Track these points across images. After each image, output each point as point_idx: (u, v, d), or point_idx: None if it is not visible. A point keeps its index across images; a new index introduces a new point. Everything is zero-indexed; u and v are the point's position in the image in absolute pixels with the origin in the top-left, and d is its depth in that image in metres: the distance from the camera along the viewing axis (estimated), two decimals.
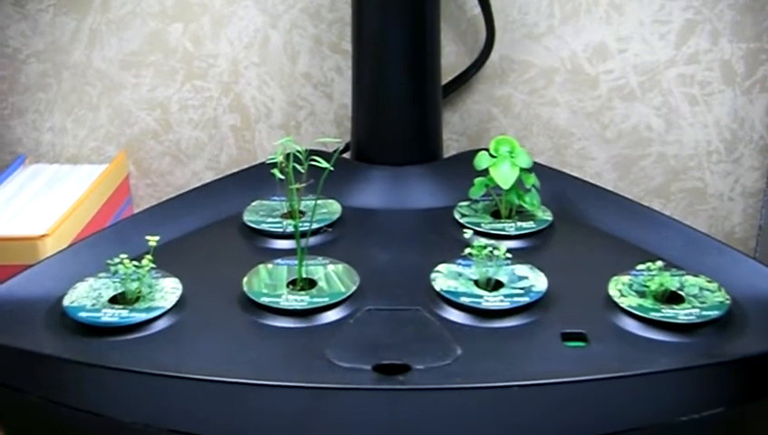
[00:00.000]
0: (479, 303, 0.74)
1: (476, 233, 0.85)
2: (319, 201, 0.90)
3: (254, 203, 0.90)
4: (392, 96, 0.94)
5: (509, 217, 0.87)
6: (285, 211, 0.88)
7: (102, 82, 1.05)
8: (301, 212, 0.88)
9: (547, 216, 0.88)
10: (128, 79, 1.04)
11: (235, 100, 1.05)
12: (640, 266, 0.76)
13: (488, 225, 0.86)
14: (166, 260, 0.81)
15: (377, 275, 0.80)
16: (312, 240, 0.85)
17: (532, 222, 0.86)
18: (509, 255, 0.76)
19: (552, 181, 0.92)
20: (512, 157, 0.84)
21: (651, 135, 1.05)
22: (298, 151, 0.77)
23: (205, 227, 0.89)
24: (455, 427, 0.64)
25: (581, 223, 0.88)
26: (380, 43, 0.93)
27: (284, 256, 0.81)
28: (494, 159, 0.84)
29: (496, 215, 0.88)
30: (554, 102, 1.04)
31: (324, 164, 0.81)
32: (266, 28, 1.02)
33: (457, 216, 0.88)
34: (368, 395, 0.64)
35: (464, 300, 0.74)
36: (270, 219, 0.87)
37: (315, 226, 0.85)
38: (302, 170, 0.80)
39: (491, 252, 0.76)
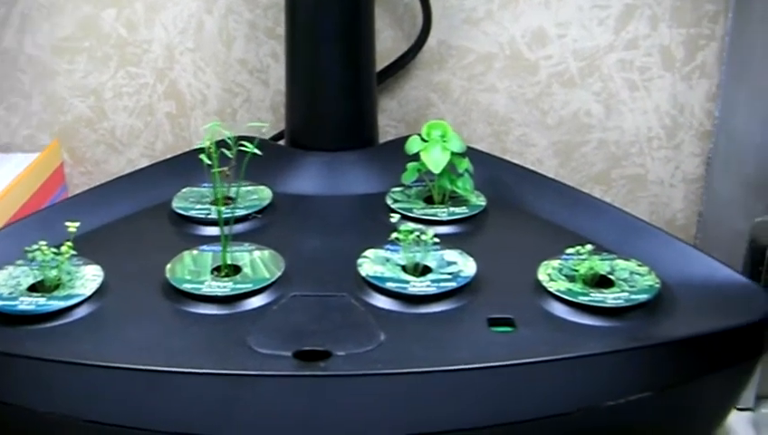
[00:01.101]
0: (405, 288, 0.72)
1: (408, 219, 0.84)
2: (250, 188, 0.88)
3: (183, 190, 0.88)
4: (326, 82, 0.92)
5: (442, 202, 0.86)
6: (216, 198, 0.87)
7: (35, 69, 1.02)
8: (231, 198, 0.86)
9: (481, 201, 0.87)
10: (61, 65, 1.02)
11: (170, 86, 1.03)
12: (570, 250, 0.75)
13: (420, 210, 0.85)
14: (90, 248, 0.79)
15: (304, 261, 0.79)
16: (241, 227, 0.84)
17: (465, 207, 0.85)
18: (437, 239, 0.75)
19: (488, 167, 0.91)
20: (443, 141, 0.83)
21: (591, 121, 1.04)
22: (228, 138, 0.75)
23: (133, 215, 0.87)
24: (374, 413, 0.63)
25: (516, 208, 0.87)
26: (314, 28, 0.91)
27: (212, 243, 0.79)
28: (426, 144, 0.83)
29: (429, 201, 0.87)
30: (493, 88, 1.03)
31: (252, 149, 0.80)
32: (201, 13, 1.00)
33: (389, 201, 0.86)
34: (285, 382, 0.63)
35: (390, 285, 0.73)
36: (199, 206, 0.85)
37: (243, 212, 0.84)
38: (231, 156, 0.79)
39: (418, 237, 0.74)
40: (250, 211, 0.84)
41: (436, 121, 0.85)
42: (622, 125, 1.04)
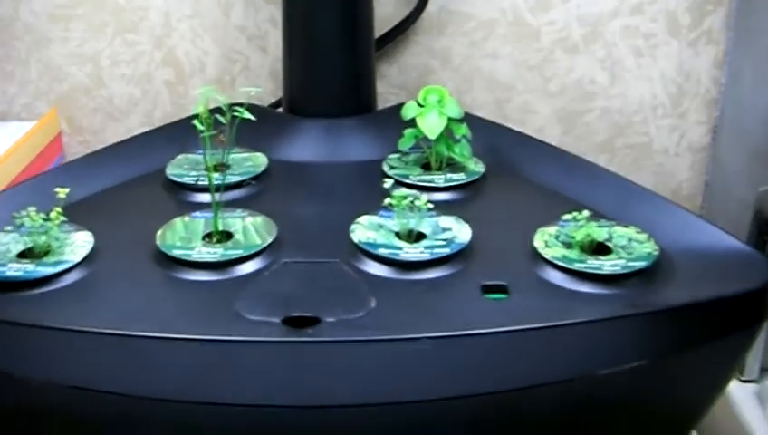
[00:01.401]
0: (397, 254, 0.71)
1: (404, 185, 0.82)
2: (245, 154, 0.87)
3: (178, 157, 0.87)
4: (323, 48, 0.91)
5: (439, 169, 0.85)
6: (206, 165, 0.85)
7: (31, 36, 1.01)
8: (226, 165, 0.85)
9: (479, 168, 0.85)
10: (57, 33, 1.01)
11: (168, 54, 1.01)
12: (566, 217, 0.74)
13: (417, 177, 0.83)
14: (82, 215, 0.78)
15: (297, 227, 0.77)
16: (235, 193, 0.83)
17: (462, 174, 0.84)
18: (431, 205, 0.74)
19: (488, 134, 0.89)
20: (440, 106, 0.82)
21: (595, 89, 1.02)
22: (222, 105, 0.74)
23: (127, 182, 0.86)
24: (363, 380, 0.62)
25: (515, 175, 0.86)
26: None
27: (205, 210, 0.78)
28: (422, 109, 0.82)
29: (427, 167, 0.85)
30: (495, 55, 1.01)
31: (243, 113, 0.79)
32: None
33: (386, 168, 0.85)
34: (272, 348, 0.62)
35: (382, 251, 0.71)
36: (193, 173, 0.84)
37: (237, 178, 0.83)
38: (224, 121, 0.78)
39: (412, 202, 0.73)
40: (244, 178, 0.83)
41: (434, 87, 0.83)
42: (626, 93, 1.02)
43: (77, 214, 0.78)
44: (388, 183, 0.74)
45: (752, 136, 0.95)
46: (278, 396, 0.62)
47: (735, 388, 0.94)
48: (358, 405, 0.62)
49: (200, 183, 0.83)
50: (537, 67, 1.01)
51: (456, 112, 0.82)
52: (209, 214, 0.77)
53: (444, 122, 0.81)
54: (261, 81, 1.02)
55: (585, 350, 0.64)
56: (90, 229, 0.76)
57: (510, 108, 1.03)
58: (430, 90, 0.83)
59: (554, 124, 1.04)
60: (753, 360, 0.94)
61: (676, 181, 1.06)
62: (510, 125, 0.97)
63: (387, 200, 0.74)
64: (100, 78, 1.03)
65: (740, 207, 0.96)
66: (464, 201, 0.82)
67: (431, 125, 0.81)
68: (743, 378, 0.95)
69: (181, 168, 0.85)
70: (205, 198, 0.82)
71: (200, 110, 0.75)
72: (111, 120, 1.04)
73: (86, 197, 0.83)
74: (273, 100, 1.00)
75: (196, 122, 0.74)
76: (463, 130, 0.84)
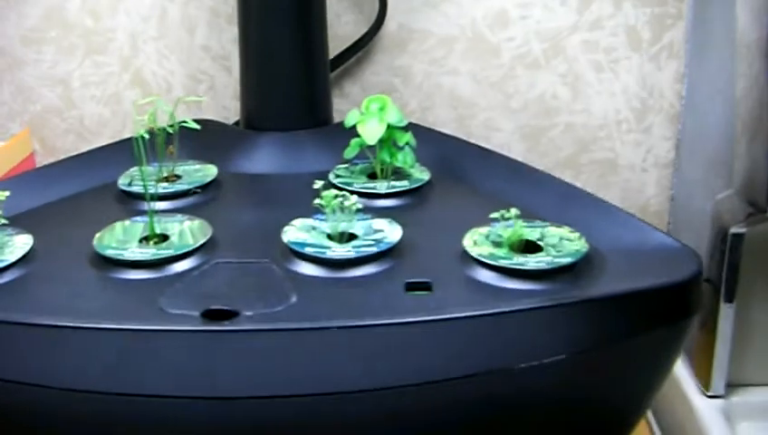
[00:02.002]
0: (324, 253, 0.72)
1: (348, 192, 0.83)
2: (197, 166, 0.89)
3: (132, 169, 0.89)
4: (278, 65, 0.92)
5: (385, 177, 0.85)
6: (163, 176, 0.87)
7: (4, 59, 1.04)
8: (178, 176, 0.87)
9: (424, 175, 0.86)
10: (29, 55, 1.04)
11: (135, 74, 1.04)
12: (494, 214, 0.74)
13: (360, 184, 0.84)
14: (29, 222, 0.80)
15: (235, 231, 0.78)
16: (182, 201, 0.84)
17: (406, 181, 0.85)
18: (360, 205, 0.75)
19: (437, 143, 0.90)
20: (381, 113, 0.83)
21: (558, 104, 1.03)
22: (169, 114, 0.76)
23: (81, 193, 0.88)
24: (272, 370, 0.62)
25: (462, 183, 0.86)
26: (265, 11, 0.92)
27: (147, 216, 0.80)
28: (363, 116, 0.83)
29: (374, 177, 0.86)
30: (456, 72, 1.02)
31: (192, 124, 0.82)
32: (163, 0, 1.01)
33: (332, 177, 0.86)
34: (182, 337, 0.62)
35: (308, 250, 0.72)
36: (141, 181, 0.86)
37: (186, 187, 0.85)
38: (172, 131, 0.80)
39: (341, 202, 0.74)
40: (191, 187, 0.85)
41: (377, 96, 0.84)
42: (590, 108, 1.02)
43: (24, 221, 0.79)
44: (318, 184, 0.75)
45: (708, 147, 0.95)
46: (190, 385, 0.62)
47: (701, 404, 0.93)
48: (266, 397, 0.63)
49: (150, 192, 0.84)
50: (498, 83, 1.02)
51: (396, 119, 0.83)
52: (140, 208, 0.78)
53: (383, 128, 0.82)
54: (226, 100, 1.04)
55: (501, 342, 0.64)
56: (32, 234, 0.77)
57: (473, 125, 1.04)
58: (373, 99, 0.84)
59: (518, 141, 1.04)
60: (718, 375, 0.93)
61: (644, 198, 1.05)
62: (473, 142, 0.98)
63: (316, 200, 0.75)
64: (71, 99, 1.05)
65: (701, 218, 0.95)
66: (404, 207, 0.82)
67: (370, 131, 0.82)
68: (708, 394, 0.93)
69: (132, 178, 0.87)
70: (154, 205, 0.84)
71: (146, 118, 0.77)
72: (82, 141, 1.07)
73: (37, 206, 0.85)
74: (237, 119, 1.02)
75: (141, 132, 0.76)
76: (406, 138, 0.85)
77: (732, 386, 0.93)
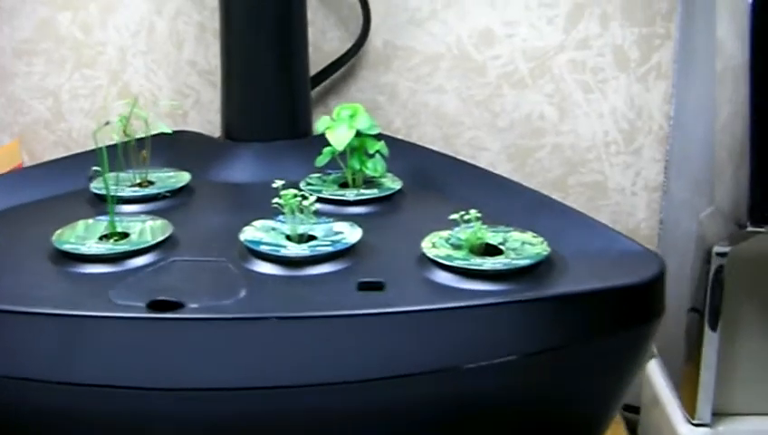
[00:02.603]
0: (278, 250, 0.71)
1: (317, 200, 0.82)
2: (172, 173, 0.89)
3: (108, 174, 0.89)
4: (258, 76, 0.93)
5: (355, 187, 0.84)
6: (136, 182, 0.87)
7: None
8: (151, 182, 0.87)
9: (395, 184, 0.85)
10: (20, 67, 1.06)
11: (123, 88, 1.05)
12: (454, 216, 0.72)
13: (329, 192, 0.83)
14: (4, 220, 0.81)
15: (198, 233, 0.78)
16: (151, 205, 0.84)
17: (376, 189, 0.84)
18: (318, 206, 0.74)
19: (412, 155, 0.89)
20: (351, 120, 0.82)
21: (545, 124, 1.01)
22: (143, 118, 0.77)
23: (58, 196, 0.88)
24: (211, 361, 0.61)
25: (433, 192, 0.85)
26: (246, 26, 0.92)
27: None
28: (333, 122, 0.82)
29: (345, 186, 0.85)
30: (441, 90, 1.01)
31: (165, 129, 0.82)
32: (151, 15, 1.02)
33: (303, 185, 0.85)
34: (118, 324, 0.62)
35: (263, 248, 0.71)
36: (115, 187, 0.86)
37: (155, 191, 0.84)
38: (145, 135, 0.81)
39: (299, 202, 0.73)
40: (161, 191, 0.85)
41: (349, 104, 0.84)
42: (577, 129, 1.01)
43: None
44: (277, 183, 0.74)
45: (693, 166, 0.93)
46: (125, 376, 0.61)
47: (688, 432, 0.90)
48: (201, 389, 0.61)
49: (119, 195, 0.84)
50: (484, 102, 1.01)
51: (366, 126, 0.82)
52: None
53: (351, 134, 0.81)
54: (212, 114, 1.04)
55: (447, 340, 0.62)
56: None
57: (459, 144, 1.03)
58: (344, 106, 0.84)
59: (505, 161, 1.03)
60: (704, 403, 0.90)
61: (635, 221, 1.03)
62: None
63: (275, 200, 0.74)
64: (60, 112, 1.06)
65: (687, 240, 0.93)
66: (372, 214, 0.81)
67: (339, 137, 0.81)
68: (694, 422, 0.90)
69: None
70: (123, 208, 0.84)
71: (117, 120, 0.77)
72: (70, 153, 1.07)
73: (12, 206, 0.85)
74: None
75: (114, 134, 0.77)
76: (378, 146, 0.84)
77: (718, 415, 0.90)
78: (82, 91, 1.05)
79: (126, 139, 0.83)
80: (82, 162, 0.92)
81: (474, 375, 0.62)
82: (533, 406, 0.67)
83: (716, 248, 0.85)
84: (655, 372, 0.99)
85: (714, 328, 0.88)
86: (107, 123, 0.76)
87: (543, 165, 1.02)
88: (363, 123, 0.82)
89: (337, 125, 0.82)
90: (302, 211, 0.73)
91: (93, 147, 0.91)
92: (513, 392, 0.65)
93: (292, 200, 0.73)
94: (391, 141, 0.88)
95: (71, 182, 0.89)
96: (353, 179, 0.85)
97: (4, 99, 1.07)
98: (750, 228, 0.78)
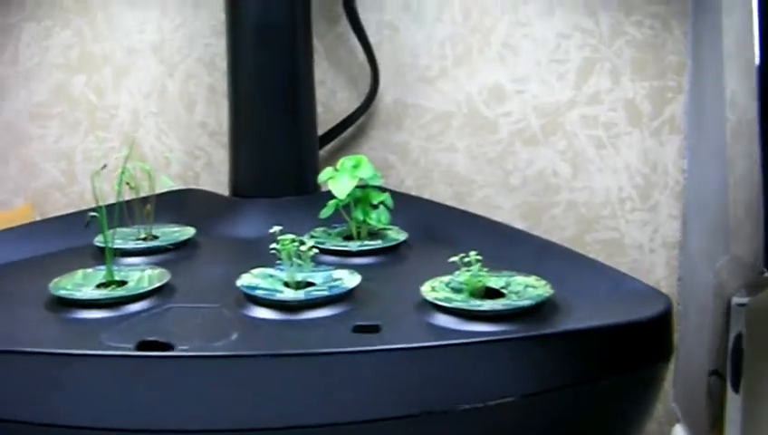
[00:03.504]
0: (273, 294, 0.69)
1: (321, 251, 0.81)
2: (177, 228, 0.88)
3: (112, 230, 0.89)
4: (266, 135, 0.93)
5: (360, 239, 0.83)
6: (142, 236, 0.87)
7: (11, 134, 1.07)
8: (156, 236, 0.86)
9: (400, 236, 0.83)
10: (35, 130, 1.07)
11: (135, 150, 1.05)
12: (453, 258, 0.70)
13: (333, 243, 0.82)
14: (6, 271, 0.81)
15: (197, 282, 0.77)
16: (154, 258, 0.83)
17: (379, 241, 0.82)
18: (316, 250, 0.72)
19: (418, 208, 0.89)
20: (353, 170, 0.81)
21: (558, 181, 1.00)
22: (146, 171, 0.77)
23: (62, 250, 0.88)
24: (196, 401, 0.59)
25: (439, 243, 0.84)
26: (254, 82, 0.93)
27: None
28: (336, 172, 0.81)
29: (350, 239, 0.84)
30: (453, 148, 1.01)
31: (169, 182, 0.82)
32: (164, 77, 1.03)
33: (306, 238, 0.84)
34: (102, 362, 0.60)
35: (259, 293, 0.70)
36: (119, 241, 0.85)
37: (158, 244, 0.84)
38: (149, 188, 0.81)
39: (297, 247, 0.72)
40: (164, 244, 0.84)
41: (354, 156, 0.83)
42: (591, 185, 0.99)
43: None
44: (274, 229, 0.73)
45: (708, 217, 0.90)
46: (111, 417, 0.59)
47: None
48: (187, 431, 0.59)
49: (120, 247, 0.83)
50: (496, 160, 1.00)
51: (369, 174, 0.81)
52: (113, 268, 0.77)
53: (354, 183, 0.80)
54: (222, 176, 1.03)
55: (442, 381, 0.60)
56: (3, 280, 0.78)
57: (471, 202, 1.01)
58: (349, 158, 0.83)
59: (518, 219, 1.01)
60: None
61: (654, 279, 1.00)
62: None
63: (272, 245, 0.72)
64: (74, 174, 1.07)
65: (706, 294, 0.90)
66: (376, 264, 0.80)
67: (341, 186, 0.80)
68: None
69: (110, 237, 0.86)
70: (126, 260, 0.83)
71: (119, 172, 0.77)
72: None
73: (21, 259, 0.85)
74: None
75: (116, 185, 0.77)
76: (382, 197, 0.83)
77: None
78: (96, 153, 1.06)
79: (127, 185, 0.82)
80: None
81: (470, 417, 0.60)
82: None
83: (735, 299, 0.82)
84: None
85: (736, 389, 0.84)
86: (104, 166, 0.75)
87: (558, 223, 1.00)
88: (366, 173, 0.81)
89: (340, 175, 0.81)
90: (300, 257, 0.72)
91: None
92: None
93: (290, 245, 0.72)
94: (397, 196, 0.87)
95: (77, 237, 0.89)
96: (358, 232, 0.83)
97: (20, 162, 1.08)
98: (767, 274, 0.76)
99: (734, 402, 0.84)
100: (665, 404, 1.02)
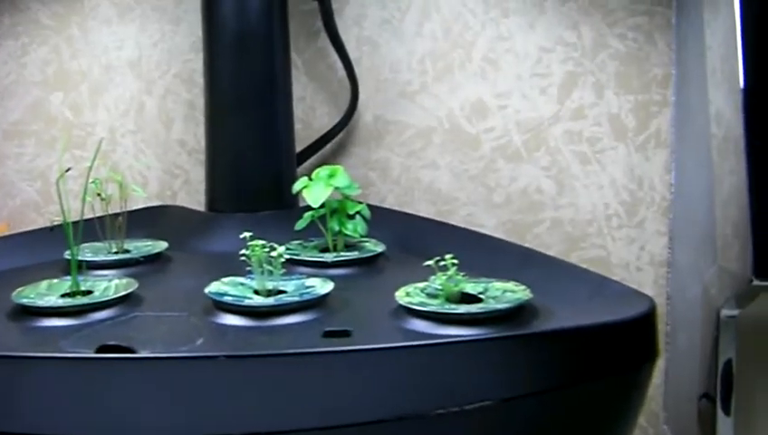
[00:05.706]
0: (242, 300, 0.67)
1: (295, 262, 0.79)
2: (149, 242, 0.86)
3: (85, 244, 0.86)
4: (241, 150, 0.91)
5: (336, 251, 0.81)
6: (114, 250, 0.84)
7: None
8: (127, 250, 0.84)
9: (377, 248, 0.81)
10: (11, 149, 1.05)
11: (112, 168, 1.03)
12: (427, 262, 0.68)
13: (308, 254, 0.80)
14: None
15: (166, 292, 0.75)
16: (124, 271, 0.81)
17: (356, 252, 0.80)
18: (286, 256, 0.70)
19: (396, 221, 0.86)
20: (328, 179, 0.79)
21: (543, 198, 0.98)
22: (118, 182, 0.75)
23: (35, 264, 0.86)
24: (155, 403, 0.56)
25: (416, 255, 0.81)
26: (232, 98, 0.91)
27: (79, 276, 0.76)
28: (310, 182, 0.79)
29: (327, 251, 0.82)
30: (434, 165, 0.99)
31: (139, 191, 0.80)
32: (141, 94, 1.02)
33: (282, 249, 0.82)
34: (59, 364, 0.58)
35: (227, 299, 0.67)
36: (89, 253, 0.83)
37: (128, 257, 0.81)
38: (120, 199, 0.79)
39: (268, 253, 0.69)
40: (135, 256, 0.82)
41: (329, 166, 0.81)
42: (576, 202, 0.97)
43: None
44: (246, 234, 0.71)
45: (695, 231, 0.88)
46: (70, 414, 0.57)
47: None
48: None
49: (90, 259, 0.81)
50: (479, 177, 0.98)
51: (344, 183, 0.79)
52: (79, 277, 0.75)
53: (328, 192, 0.78)
54: (200, 195, 1.01)
55: (414, 384, 0.57)
56: None
57: (454, 220, 0.99)
58: (324, 167, 0.81)
59: (502, 237, 0.98)
60: None
61: None
62: None
63: (242, 251, 0.70)
64: (50, 193, 1.05)
65: (694, 309, 0.87)
66: (352, 275, 0.78)
67: (315, 194, 0.78)
68: None
69: (82, 251, 0.84)
70: (95, 273, 0.80)
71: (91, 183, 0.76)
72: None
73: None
74: None
75: (87, 196, 0.75)
76: (358, 207, 0.81)
77: None
78: (71, 173, 1.03)
79: (98, 196, 0.81)
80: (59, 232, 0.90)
81: (446, 422, 0.57)
82: None
83: (725, 312, 0.80)
84: None
85: (727, 411, 0.81)
86: (68, 169, 0.73)
87: (543, 241, 0.98)
88: (342, 182, 0.79)
89: (314, 184, 0.79)
90: (270, 264, 0.70)
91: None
92: None
93: (260, 251, 0.69)
94: (376, 210, 0.85)
95: (48, 252, 0.87)
96: (334, 244, 0.81)
97: None
98: (755, 282, 0.73)
99: (724, 425, 0.82)
100: (656, 428, 0.99)
